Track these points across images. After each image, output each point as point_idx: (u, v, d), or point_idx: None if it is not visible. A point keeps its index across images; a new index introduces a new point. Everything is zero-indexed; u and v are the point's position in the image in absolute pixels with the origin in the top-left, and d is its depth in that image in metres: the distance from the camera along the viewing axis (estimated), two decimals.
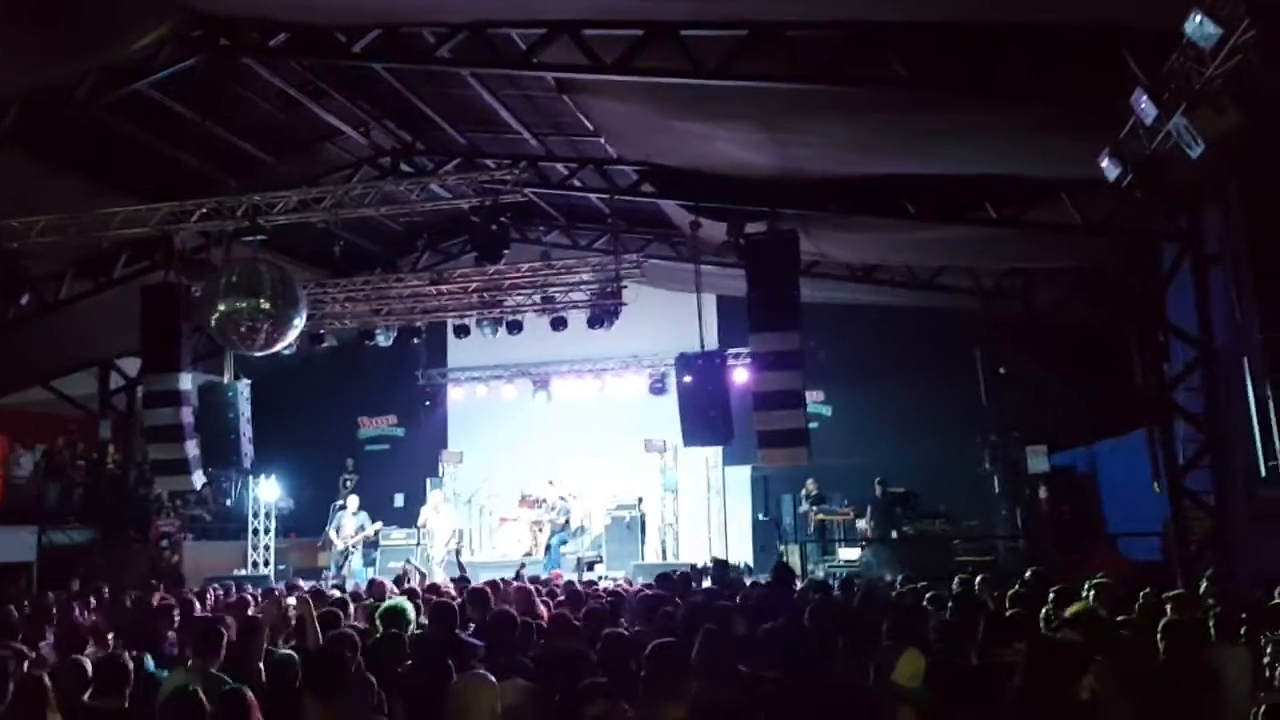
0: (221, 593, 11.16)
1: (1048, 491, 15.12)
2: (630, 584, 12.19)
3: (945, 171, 11.40)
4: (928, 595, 8.54)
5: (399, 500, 19.66)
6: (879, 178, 11.67)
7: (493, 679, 3.86)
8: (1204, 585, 8.33)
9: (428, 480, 19.12)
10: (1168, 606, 6.83)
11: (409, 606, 6.42)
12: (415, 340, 17.45)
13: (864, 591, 8.81)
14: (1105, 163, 8.61)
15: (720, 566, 11.23)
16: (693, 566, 13.58)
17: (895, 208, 11.86)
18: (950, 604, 7.76)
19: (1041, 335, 15.48)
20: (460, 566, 14.78)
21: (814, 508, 16.92)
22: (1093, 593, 7.75)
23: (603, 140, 12.94)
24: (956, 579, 9.48)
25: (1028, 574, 9.93)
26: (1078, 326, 15.48)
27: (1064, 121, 9.04)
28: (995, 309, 15.87)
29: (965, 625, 6.74)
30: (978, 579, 9.53)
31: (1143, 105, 7.53)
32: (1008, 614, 7.10)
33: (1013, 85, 8.38)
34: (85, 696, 5.25)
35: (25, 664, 5.62)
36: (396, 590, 9.59)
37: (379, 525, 17.26)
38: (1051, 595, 7.66)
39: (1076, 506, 15.17)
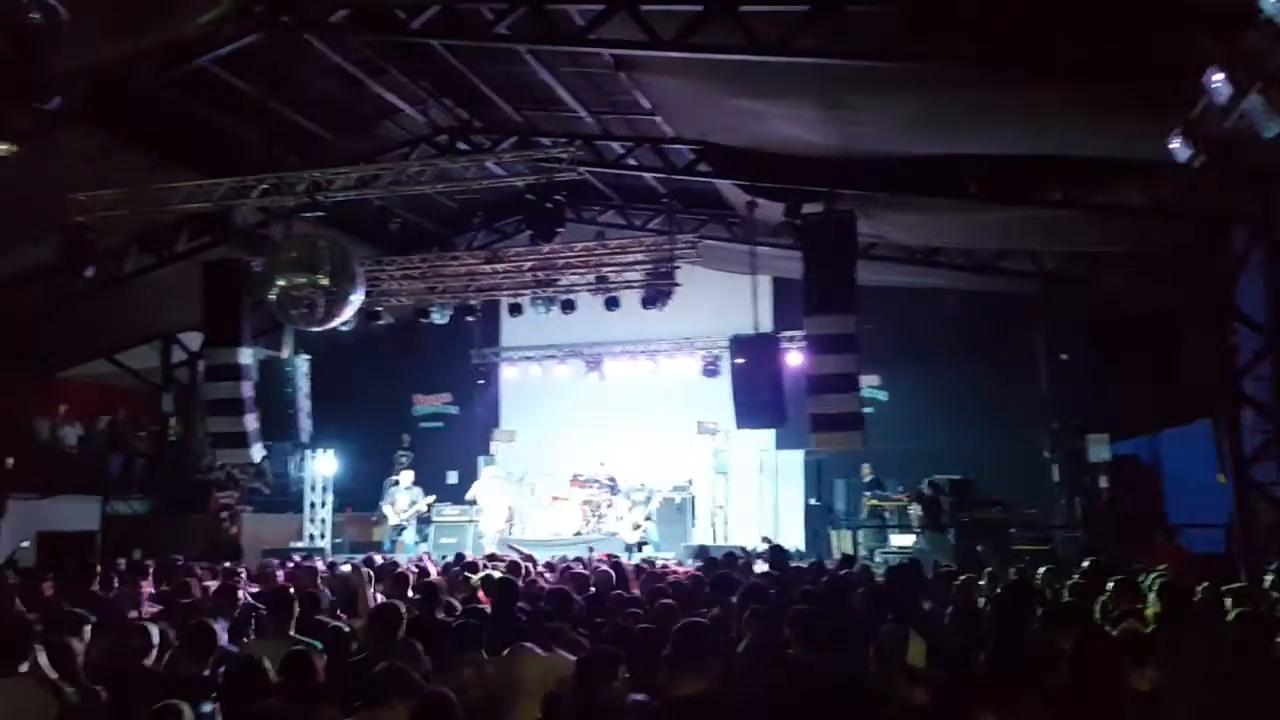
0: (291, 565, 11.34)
1: (1108, 481, 14.83)
2: (681, 565, 12.21)
3: (1008, 152, 11.16)
4: (980, 583, 8.46)
5: (452, 477, 19.84)
6: (939, 157, 11.44)
7: (540, 651, 3.85)
8: (1270, 578, 8.11)
9: (480, 458, 19.26)
10: (1228, 600, 6.67)
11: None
12: (470, 318, 17.55)
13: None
14: (1175, 143, 8.33)
15: (777, 551, 11.13)
16: (741, 549, 13.54)
17: (956, 188, 11.64)
18: (1001, 591, 7.66)
19: (1105, 321, 15.14)
20: (510, 547, 14.83)
21: (868, 493, 16.75)
22: (1155, 585, 7.58)
23: (659, 119, 12.87)
24: (986, 572, 9.31)
25: (1086, 564, 9.79)
26: (1142, 312, 15.09)
27: (1131, 100, 8.79)
28: (1057, 293, 15.53)
29: (1018, 613, 6.65)
30: (1041, 569, 9.37)
31: (1216, 84, 7.27)
32: (1063, 603, 6.98)
33: (1079, 62, 8.16)
34: (156, 662, 5.38)
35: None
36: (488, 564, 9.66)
37: (432, 498, 17.45)
38: (1110, 585, 7.53)
39: (1138, 497, 14.87)
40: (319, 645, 5.71)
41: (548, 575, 9.38)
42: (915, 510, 15.83)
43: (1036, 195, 11.55)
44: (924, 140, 11.22)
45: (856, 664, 4.63)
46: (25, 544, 14.21)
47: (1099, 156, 10.69)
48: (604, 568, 9.68)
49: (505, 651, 3.82)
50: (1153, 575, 8.23)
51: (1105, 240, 13.30)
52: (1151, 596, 7.13)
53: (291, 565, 11.23)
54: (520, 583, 7.45)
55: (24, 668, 4.62)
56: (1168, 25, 7.63)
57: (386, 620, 5.65)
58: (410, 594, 7.30)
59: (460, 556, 10.29)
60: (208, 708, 3.43)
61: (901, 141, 11.33)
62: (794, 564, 10.83)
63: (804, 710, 3.88)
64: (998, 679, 4.77)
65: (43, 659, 4.65)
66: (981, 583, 8.47)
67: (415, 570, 9.31)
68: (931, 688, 4.59)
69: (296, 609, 6.11)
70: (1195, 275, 12.54)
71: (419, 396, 21.72)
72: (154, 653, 5.42)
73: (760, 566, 12.01)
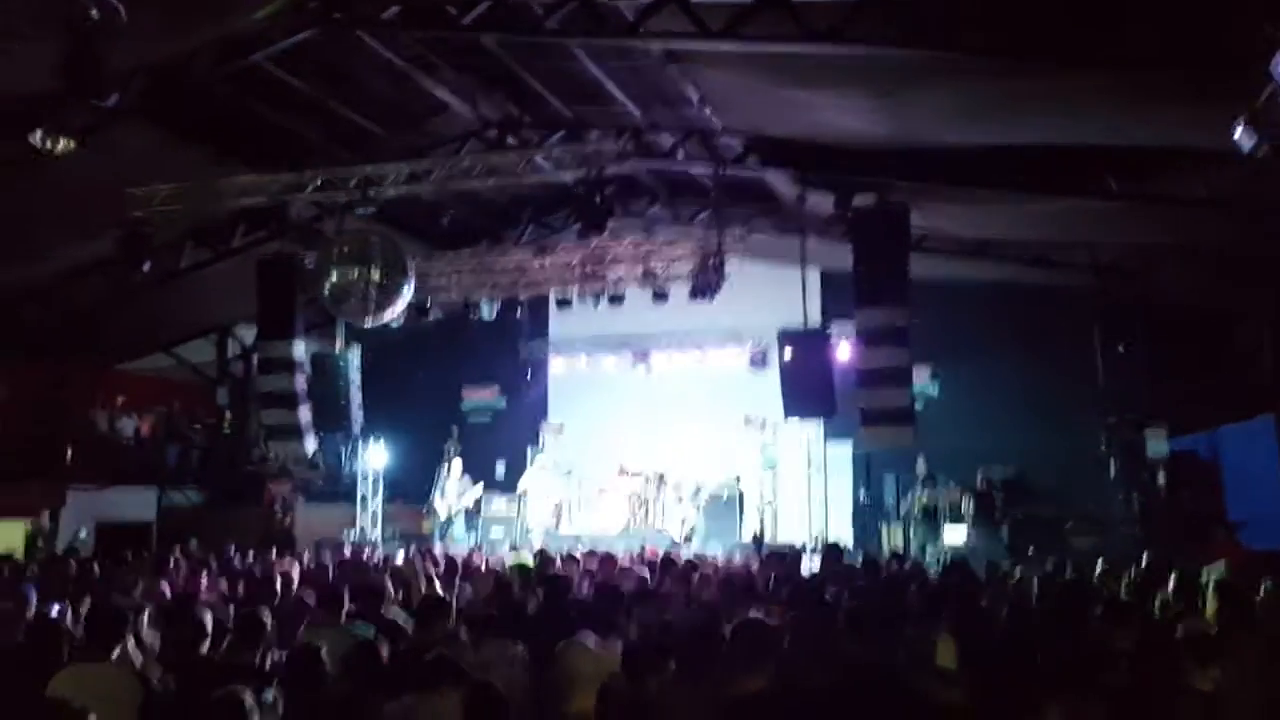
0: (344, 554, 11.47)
1: (1166, 477, 14.55)
2: (730, 561, 12.16)
3: (1063, 142, 10.95)
4: (1036, 580, 8.33)
5: (500, 470, 19.97)
6: (993, 147, 11.26)
7: (594, 644, 3.85)
8: None
9: (529, 450, 19.35)
10: None
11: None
12: (517, 312, 17.63)
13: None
14: (1239, 132, 8.12)
15: (833, 550, 11.04)
16: (790, 545, 13.48)
17: (1010, 179, 11.45)
18: (1059, 589, 7.55)
19: (1162, 314, 14.85)
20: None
21: (921, 489, 16.59)
22: (1211, 581, 7.42)
23: (708, 111, 12.80)
24: (1069, 565, 9.17)
25: (1144, 560, 9.61)
26: (1201, 306, 14.79)
27: (1192, 88, 8.58)
28: (1113, 286, 15.22)
29: (1077, 611, 6.55)
30: (1099, 566, 9.21)
31: None
32: (1121, 601, 6.86)
33: (1139, 51, 7.98)
34: (205, 649, 5.47)
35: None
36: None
37: (480, 486, 17.56)
38: (1171, 582, 7.39)
39: (1197, 493, 14.59)
40: (370, 634, 5.77)
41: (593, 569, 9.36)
42: (968, 506, 15.65)
43: (1090, 186, 11.33)
44: (977, 130, 11.04)
45: (905, 662, 4.58)
46: (83, 533, 14.52)
47: (1155, 146, 10.46)
48: (650, 563, 9.71)
49: (560, 644, 3.82)
50: (1212, 573, 8.07)
51: (1162, 232, 13.01)
52: (1210, 595, 6.99)
53: (340, 558, 11.38)
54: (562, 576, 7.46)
55: (116, 654, 4.74)
56: (1233, 11, 7.43)
57: (434, 611, 5.69)
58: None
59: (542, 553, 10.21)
60: (269, 695, 3.46)
61: (955, 131, 11.15)
62: (846, 561, 10.74)
63: (860, 709, 3.84)
64: (1059, 676, 4.71)
65: (130, 646, 4.76)
66: (1037, 580, 8.35)
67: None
68: (967, 688, 4.52)
69: (347, 600, 6.18)
70: (1256, 268, 12.25)
71: (467, 389, 21.84)
72: (208, 641, 5.51)
73: (809, 563, 11.98)
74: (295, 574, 7.79)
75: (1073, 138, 10.76)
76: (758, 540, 12.77)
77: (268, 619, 5.45)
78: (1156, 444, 14.43)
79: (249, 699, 3.46)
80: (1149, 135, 10.29)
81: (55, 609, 6.55)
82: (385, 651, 4.70)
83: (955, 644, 5.19)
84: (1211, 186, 10.49)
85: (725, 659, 3.44)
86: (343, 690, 4.19)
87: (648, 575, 8.41)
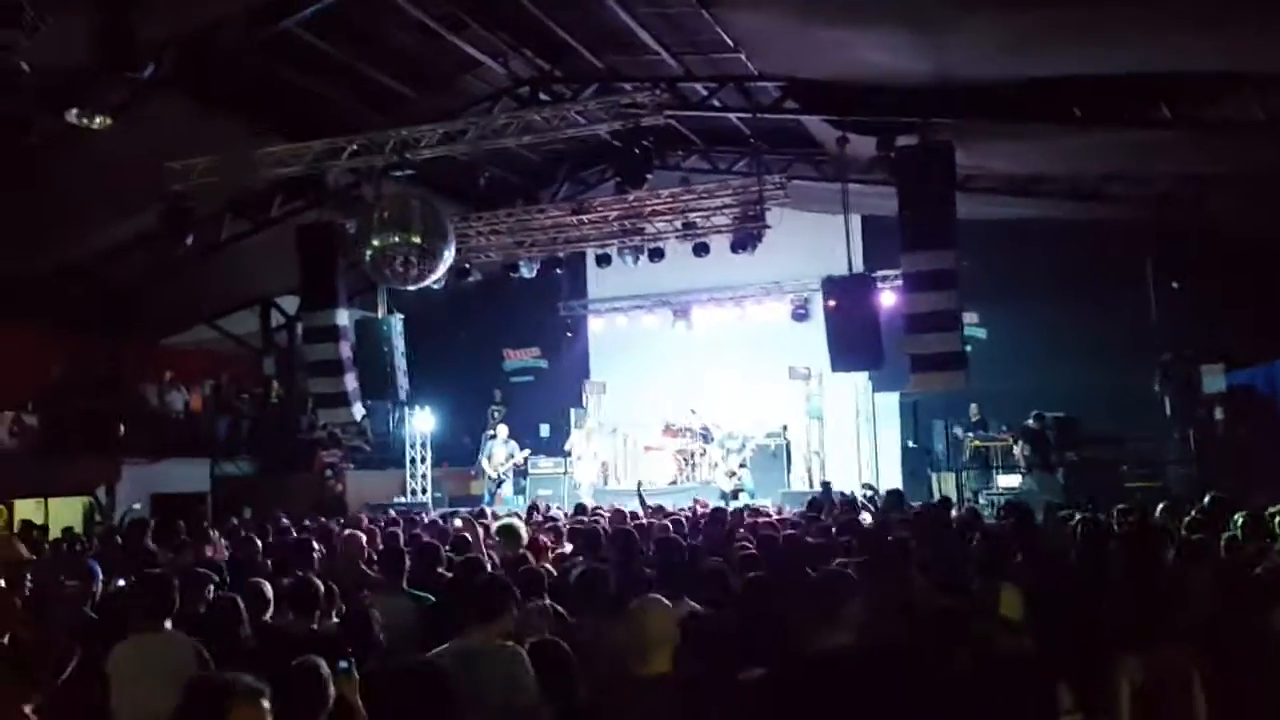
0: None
1: (1224, 413, 14.22)
2: (780, 512, 12.07)
3: (1114, 71, 10.59)
4: (1096, 521, 8.15)
5: (544, 430, 20.03)
6: (1041, 80, 10.92)
7: (667, 602, 3.78)
8: None
9: (572, 410, 19.38)
10: None
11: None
12: (558, 270, 17.56)
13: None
14: None
15: (895, 497, 10.90)
16: (840, 493, 13.31)
17: (1060, 112, 11.10)
18: (1130, 532, 7.39)
19: (1218, 246, 14.43)
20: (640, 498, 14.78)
21: (970, 434, 16.38)
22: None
23: (743, 56, 12.54)
24: (1117, 509, 8.90)
25: (1206, 499, 9.38)
26: (1259, 235, 14.35)
27: (1249, 10, 8.23)
28: (1166, 219, 14.81)
29: (1150, 553, 6.40)
30: (1159, 506, 9.00)
31: None
32: (1192, 539, 6.69)
33: None
34: (269, 616, 5.49)
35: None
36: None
37: (527, 452, 17.67)
38: (1240, 521, 7.19)
39: (1255, 428, 14.24)
40: (430, 599, 5.76)
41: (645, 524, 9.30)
42: (1021, 449, 15.43)
43: (1142, 115, 10.96)
44: (1024, 62, 10.68)
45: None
46: (137, 506, 14.72)
47: (1213, 70, 10.09)
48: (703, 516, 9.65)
49: (633, 603, 3.76)
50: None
51: (1219, 159, 12.61)
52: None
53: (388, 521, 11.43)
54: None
55: (168, 624, 4.77)
56: None
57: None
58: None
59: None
60: (344, 664, 3.43)
61: (1000, 64, 10.81)
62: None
63: (935, 660, 3.75)
64: (1136, 621, 4.59)
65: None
66: (1100, 524, 8.17)
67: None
68: (1034, 637, 4.40)
69: (408, 564, 6.16)
70: None
71: (509, 351, 21.91)
72: (270, 610, 5.53)
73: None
74: (363, 540, 7.77)
75: (1126, 66, 10.40)
76: (825, 486, 12.65)
77: (322, 586, 5.44)
78: (1213, 379, 14.09)
79: (324, 667, 3.43)
80: (1201, 60, 9.92)
81: (120, 583, 6.62)
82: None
83: (1020, 593, 5.06)
84: (1270, 110, 10.11)
85: (808, 614, 3.35)
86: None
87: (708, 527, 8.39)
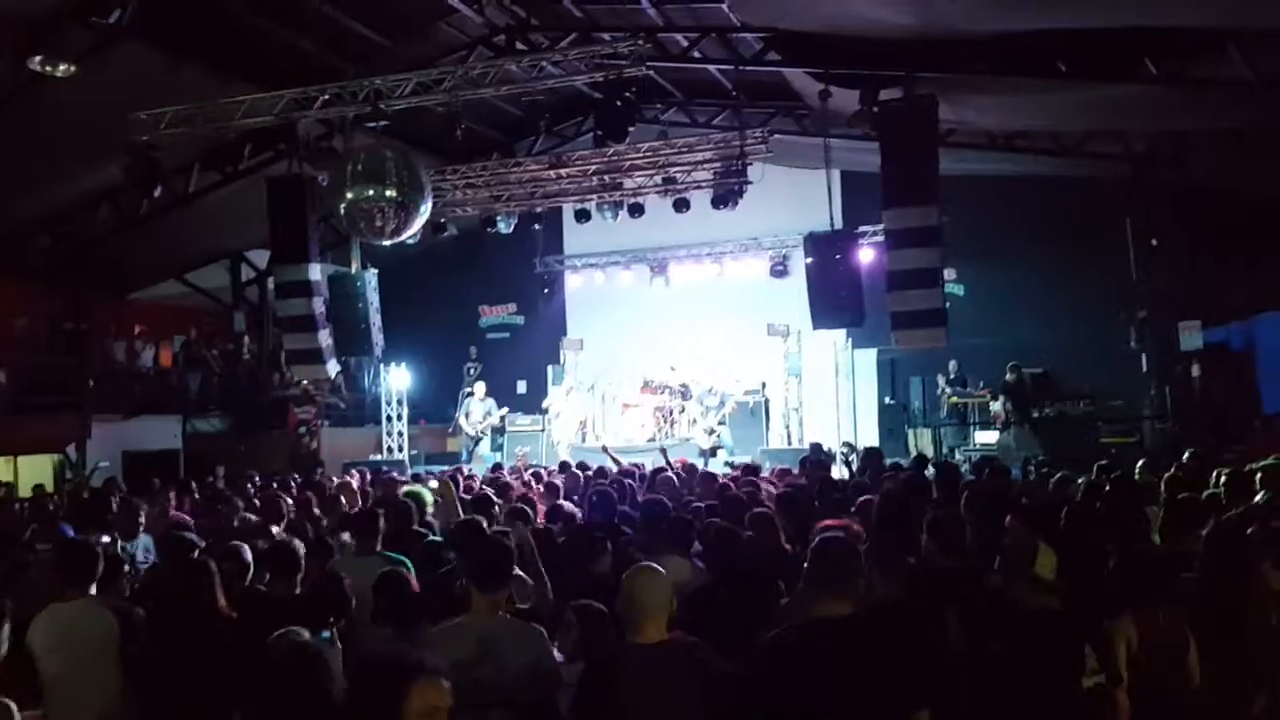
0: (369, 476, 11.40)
1: (1200, 369, 14.31)
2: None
3: (1101, 25, 10.45)
4: (1073, 479, 8.13)
5: (521, 387, 19.92)
6: (1026, 34, 10.77)
7: (660, 568, 3.68)
8: None
9: (549, 367, 19.24)
10: None
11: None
12: (535, 226, 17.34)
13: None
14: None
15: (873, 454, 10.82)
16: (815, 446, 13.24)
17: (1045, 66, 10.96)
18: (1110, 489, 7.35)
19: (1198, 203, 14.42)
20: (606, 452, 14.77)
21: (948, 390, 16.40)
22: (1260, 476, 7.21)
23: (725, 6, 12.28)
24: (1095, 466, 8.86)
25: (1185, 456, 9.42)
26: (1237, 193, 14.34)
27: None
28: (1146, 176, 14.77)
29: (1135, 511, 6.37)
30: (1139, 463, 9.01)
31: None
32: (1179, 499, 6.67)
33: None
34: (251, 581, 5.36)
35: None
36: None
37: (505, 411, 17.54)
38: (1223, 479, 7.19)
39: (1230, 384, 14.35)
40: (407, 562, 5.62)
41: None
42: (999, 405, 15.47)
43: (1129, 71, 10.86)
44: (1010, 16, 10.53)
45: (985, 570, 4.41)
46: (104, 463, 14.48)
47: (1199, 26, 9.97)
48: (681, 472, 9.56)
49: (637, 565, 3.67)
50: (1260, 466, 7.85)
51: (1201, 117, 12.54)
52: (1260, 488, 6.80)
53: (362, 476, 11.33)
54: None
55: (92, 590, 4.62)
56: None
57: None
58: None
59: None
60: (326, 634, 3.32)
61: (986, 18, 10.64)
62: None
63: (940, 620, 3.69)
64: (1131, 582, 4.56)
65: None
66: (1082, 481, 8.16)
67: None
68: (1064, 597, 4.36)
69: (383, 525, 6.04)
70: None
71: (485, 307, 21.71)
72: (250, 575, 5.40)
73: (838, 471, 11.82)
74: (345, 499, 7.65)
75: (1107, 21, 10.27)
76: (815, 447, 12.55)
77: (302, 550, 5.31)
78: (1190, 336, 14.16)
79: (308, 636, 3.32)
80: (1189, 15, 9.80)
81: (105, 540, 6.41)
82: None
83: (1055, 554, 4.98)
84: (1257, 69, 10.03)
85: (810, 580, 3.26)
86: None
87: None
